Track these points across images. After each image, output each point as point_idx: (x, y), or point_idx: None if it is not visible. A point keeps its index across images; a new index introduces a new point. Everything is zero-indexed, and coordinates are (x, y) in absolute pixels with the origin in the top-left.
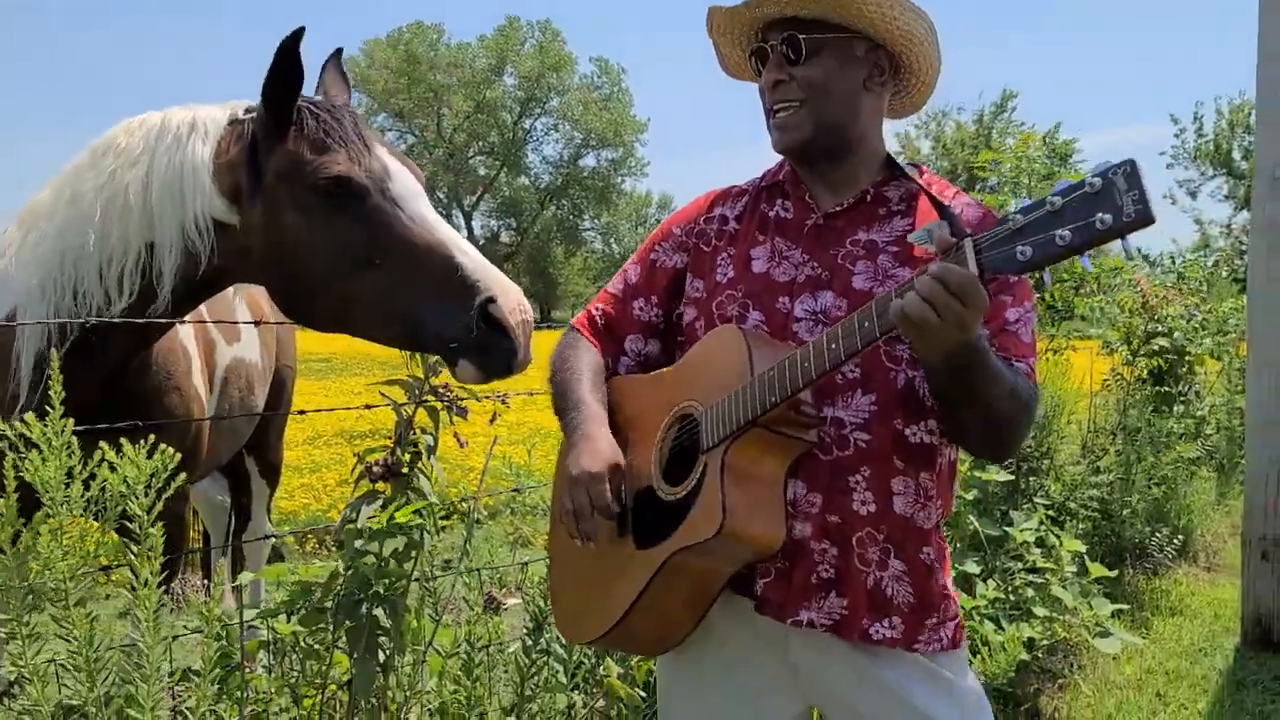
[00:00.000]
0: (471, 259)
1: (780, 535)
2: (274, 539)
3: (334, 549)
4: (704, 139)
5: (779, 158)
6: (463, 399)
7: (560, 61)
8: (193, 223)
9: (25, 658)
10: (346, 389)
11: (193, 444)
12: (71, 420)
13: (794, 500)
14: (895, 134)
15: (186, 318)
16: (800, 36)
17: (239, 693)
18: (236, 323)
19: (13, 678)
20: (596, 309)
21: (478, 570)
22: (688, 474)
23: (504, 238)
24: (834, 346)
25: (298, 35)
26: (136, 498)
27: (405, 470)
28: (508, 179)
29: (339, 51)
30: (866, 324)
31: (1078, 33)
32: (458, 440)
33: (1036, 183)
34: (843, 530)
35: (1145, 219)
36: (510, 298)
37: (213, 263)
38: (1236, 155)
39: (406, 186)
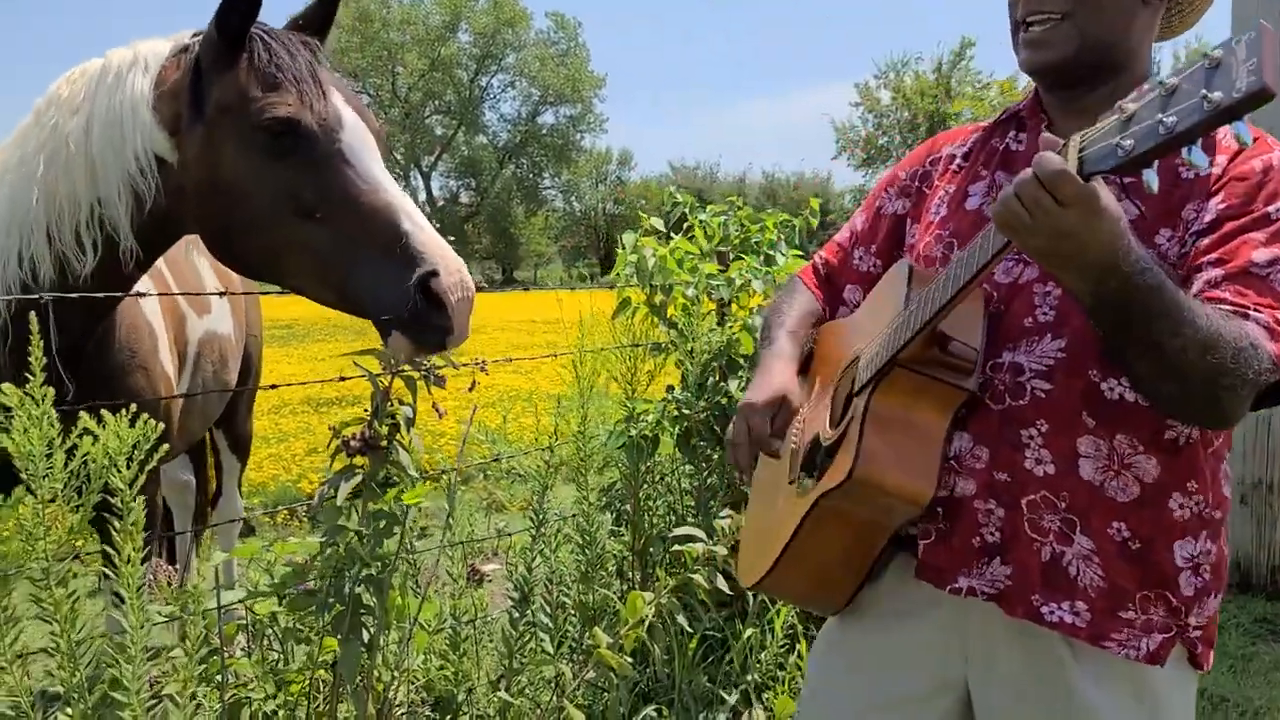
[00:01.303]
0: (418, 227)
1: (926, 490)
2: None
3: (305, 521)
4: (664, 93)
5: (765, 116)
6: (440, 367)
7: (515, 17)
8: (133, 161)
9: (3, 644)
10: (310, 355)
11: (165, 422)
12: (52, 390)
13: (958, 454)
14: (854, 85)
15: (152, 289)
16: None
17: (218, 676)
18: (198, 294)
19: None
20: (820, 258)
21: (461, 543)
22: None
23: (463, 198)
24: (958, 271)
25: None
26: (119, 470)
27: (384, 443)
28: (465, 138)
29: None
30: (986, 243)
31: None
32: (436, 410)
33: None
34: (1011, 490)
35: (1258, 94)
36: (452, 273)
37: (159, 204)
38: None
39: (359, 139)
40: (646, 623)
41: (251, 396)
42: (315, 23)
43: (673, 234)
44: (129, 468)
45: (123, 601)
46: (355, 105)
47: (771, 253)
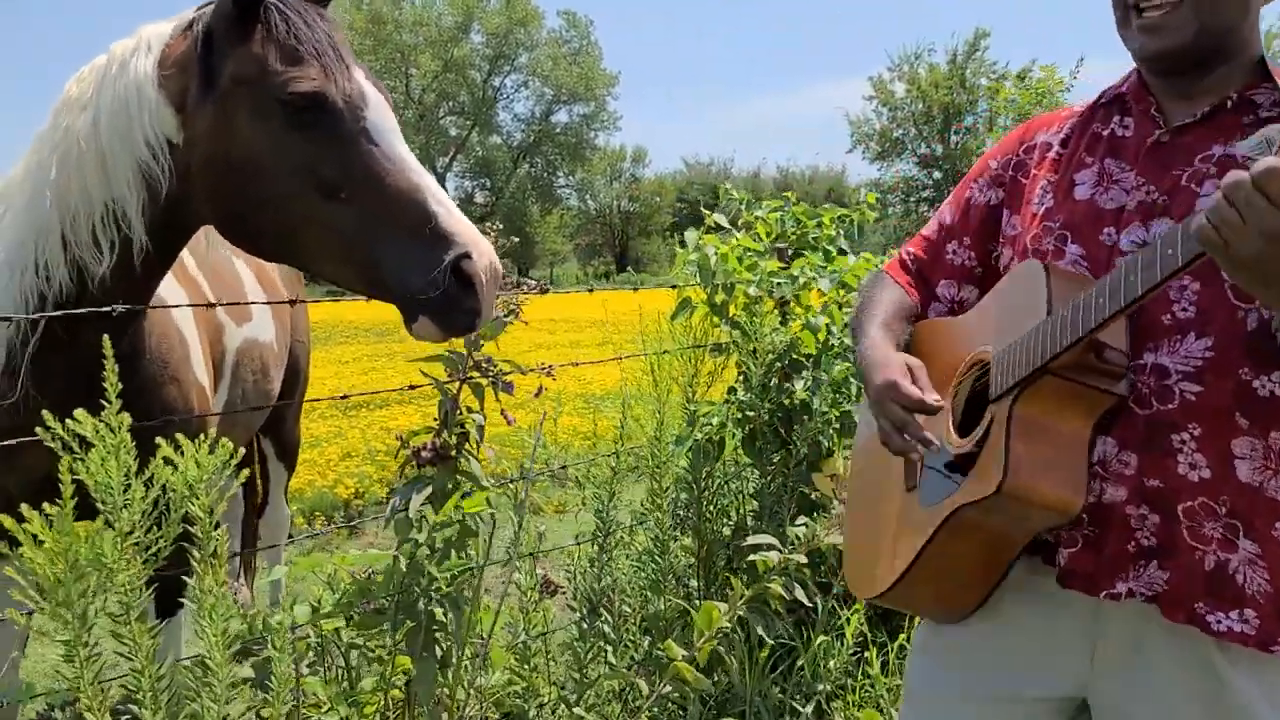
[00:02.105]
0: (446, 209)
1: (1076, 500)
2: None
3: (341, 527)
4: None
5: (766, 109)
6: (507, 373)
7: (527, 16)
8: (143, 146)
9: (84, 680)
10: (334, 358)
11: (195, 435)
12: (129, 416)
13: (1103, 460)
14: (869, 78)
15: (184, 298)
16: None
17: (290, 700)
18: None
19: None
20: (908, 252)
21: (531, 554)
22: (978, 425)
23: (478, 198)
24: (1132, 279)
25: None
26: (198, 498)
27: (454, 453)
28: (480, 138)
29: None
30: (1170, 250)
31: None
32: (505, 418)
33: (1014, 121)
34: (1165, 497)
35: None
36: (484, 255)
37: (171, 190)
38: None
39: (384, 118)
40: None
41: (299, 404)
42: None
43: (735, 230)
44: (208, 494)
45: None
46: (374, 81)
47: (830, 248)
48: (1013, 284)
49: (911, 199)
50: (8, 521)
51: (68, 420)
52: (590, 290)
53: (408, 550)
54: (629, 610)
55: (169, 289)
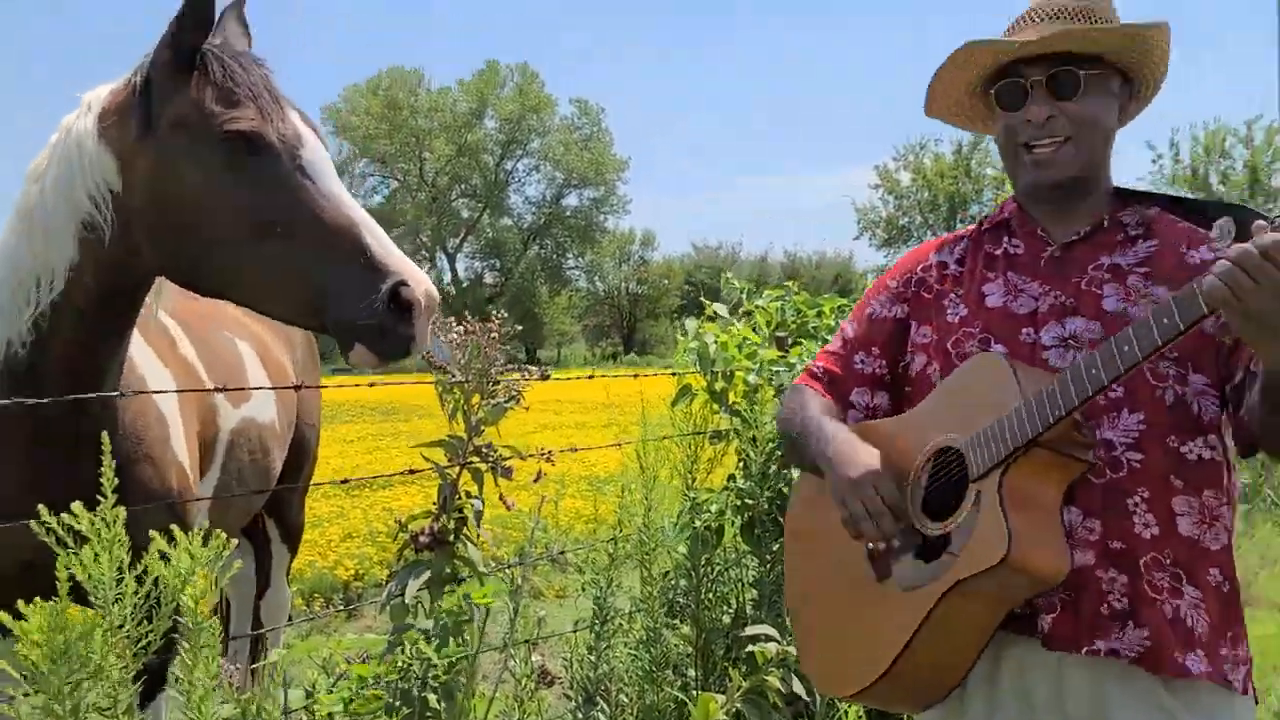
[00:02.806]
0: (380, 242)
1: (1065, 564)
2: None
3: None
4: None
5: (757, 202)
6: (507, 458)
7: (540, 103)
8: (86, 199)
9: None
10: (339, 437)
11: (177, 517)
12: (124, 510)
13: (1070, 528)
14: (875, 167)
15: (170, 380)
16: (1079, 72)
17: None
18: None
19: None
20: (817, 366)
21: (527, 641)
22: (949, 509)
23: (488, 279)
24: (1126, 349)
25: None
26: (189, 587)
27: (451, 538)
28: (491, 220)
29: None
30: (1165, 320)
31: None
32: (504, 503)
33: None
34: (1126, 556)
35: None
36: (420, 284)
37: (115, 235)
38: (1214, 180)
39: (318, 157)
40: None
41: (305, 486)
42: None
43: (734, 319)
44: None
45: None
46: (307, 121)
47: (829, 337)
48: (970, 376)
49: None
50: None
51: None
52: (591, 377)
53: (413, 635)
54: (626, 700)
55: (152, 369)
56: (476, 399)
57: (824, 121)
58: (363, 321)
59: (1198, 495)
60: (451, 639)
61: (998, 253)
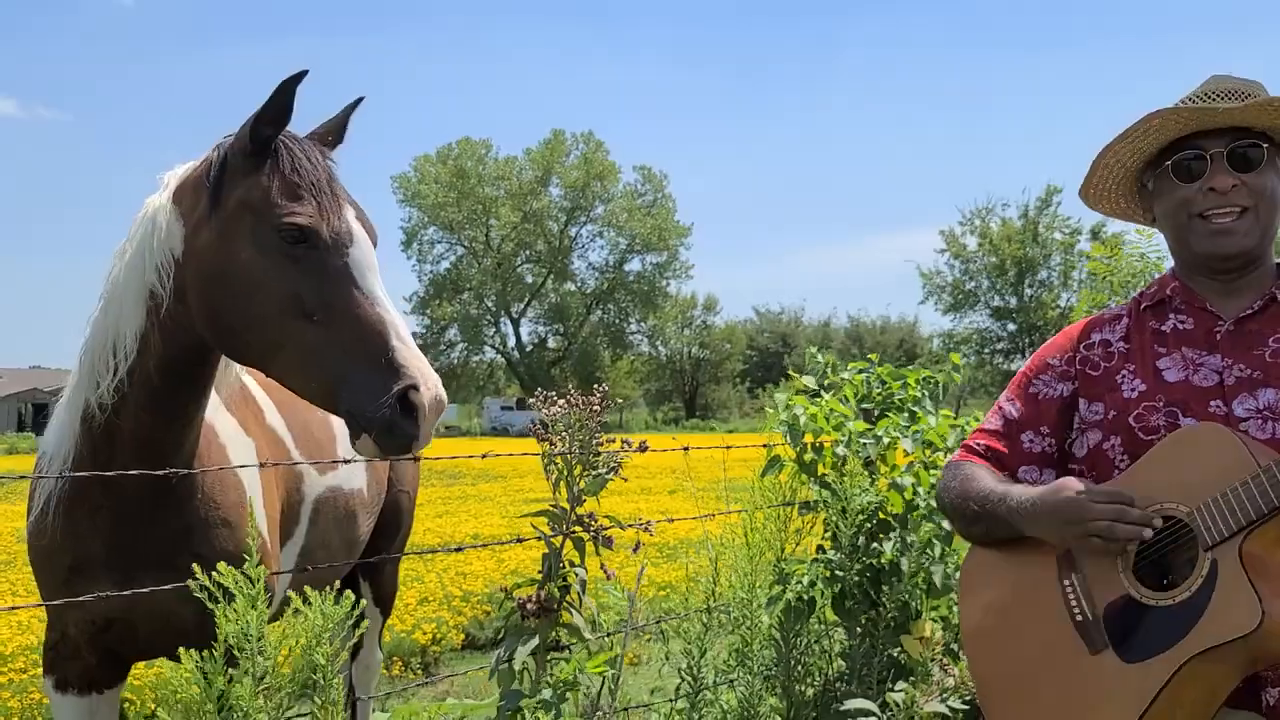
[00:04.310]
0: (404, 344)
1: None
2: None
3: (419, 672)
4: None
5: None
6: (607, 528)
7: (604, 170)
8: (154, 263)
9: None
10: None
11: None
12: (264, 568)
13: None
14: (940, 231)
15: (253, 452)
16: (1262, 145)
17: None
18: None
19: None
20: (978, 444)
21: (625, 709)
22: (1176, 580)
23: (551, 343)
24: None
25: (299, 76)
26: (321, 645)
27: (556, 606)
28: (554, 285)
29: (359, 100)
30: None
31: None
32: (605, 572)
33: (1087, 276)
34: None
35: None
36: (430, 389)
37: (171, 304)
38: None
39: (365, 256)
40: None
41: (399, 551)
42: (333, 134)
43: (823, 392)
44: (331, 643)
45: None
46: (361, 218)
47: (915, 410)
48: (1185, 447)
49: (985, 350)
50: (165, 669)
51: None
52: (686, 449)
53: (530, 704)
54: None
55: (234, 438)
56: (579, 469)
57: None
58: (372, 415)
59: None
60: (564, 707)
61: (1165, 329)
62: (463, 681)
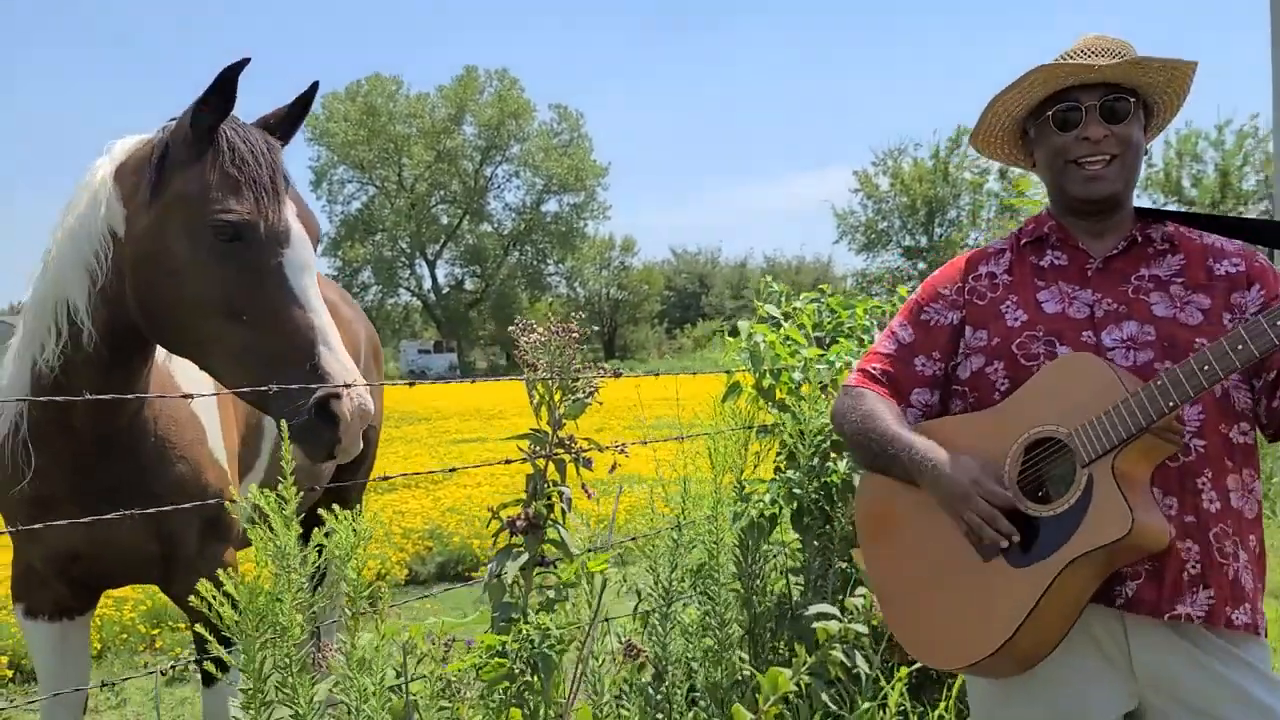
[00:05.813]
0: (331, 350)
1: (1168, 532)
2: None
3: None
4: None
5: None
6: (586, 450)
7: (519, 109)
8: (95, 238)
9: None
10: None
11: (215, 510)
12: (295, 489)
13: None
14: (854, 171)
15: (208, 385)
16: (1129, 99)
17: None
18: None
19: None
20: (873, 367)
21: (608, 619)
22: (1054, 492)
23: (468, 285)
24: (1240, 347)
25: (241, 65)
26: (353, 560)
27: (543, 523)
28: (470, 226)
29: (315, 86)
30: (1260, 327)
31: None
32: (585, 492)
33: (996, 214)
34: (1199, 528)
35: None
36: (352, 398)
37: (109, 282)
38: (1186, 183)
39: (300, 256)
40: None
41: (363, 483)
42: (283, 125)
43: (783, 321)
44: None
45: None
46: (303, 214)
47: (864, 337)
48: (1065, 373)
49: (896, 290)
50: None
51: (249, 494)
52: (657, 374)
53: (534, 604)
54: (684, 675)
55: (194, 376)
56: (559, 395)
57: (802, 124)
58: (294, 422)
59: (1239, 473)
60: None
61: (1044, 264)
62: (409, 612)
